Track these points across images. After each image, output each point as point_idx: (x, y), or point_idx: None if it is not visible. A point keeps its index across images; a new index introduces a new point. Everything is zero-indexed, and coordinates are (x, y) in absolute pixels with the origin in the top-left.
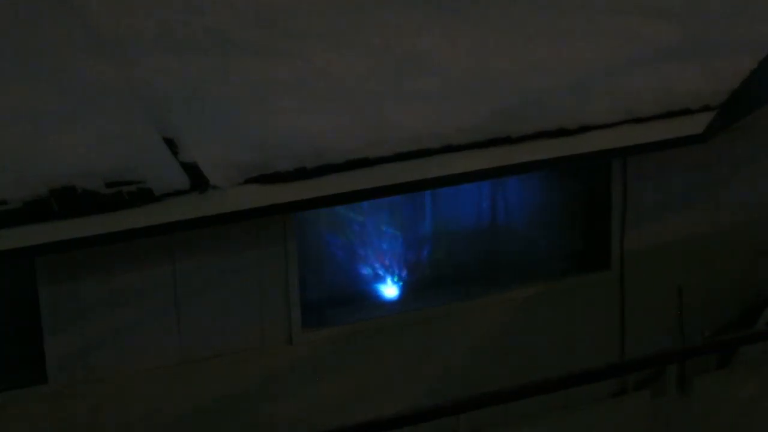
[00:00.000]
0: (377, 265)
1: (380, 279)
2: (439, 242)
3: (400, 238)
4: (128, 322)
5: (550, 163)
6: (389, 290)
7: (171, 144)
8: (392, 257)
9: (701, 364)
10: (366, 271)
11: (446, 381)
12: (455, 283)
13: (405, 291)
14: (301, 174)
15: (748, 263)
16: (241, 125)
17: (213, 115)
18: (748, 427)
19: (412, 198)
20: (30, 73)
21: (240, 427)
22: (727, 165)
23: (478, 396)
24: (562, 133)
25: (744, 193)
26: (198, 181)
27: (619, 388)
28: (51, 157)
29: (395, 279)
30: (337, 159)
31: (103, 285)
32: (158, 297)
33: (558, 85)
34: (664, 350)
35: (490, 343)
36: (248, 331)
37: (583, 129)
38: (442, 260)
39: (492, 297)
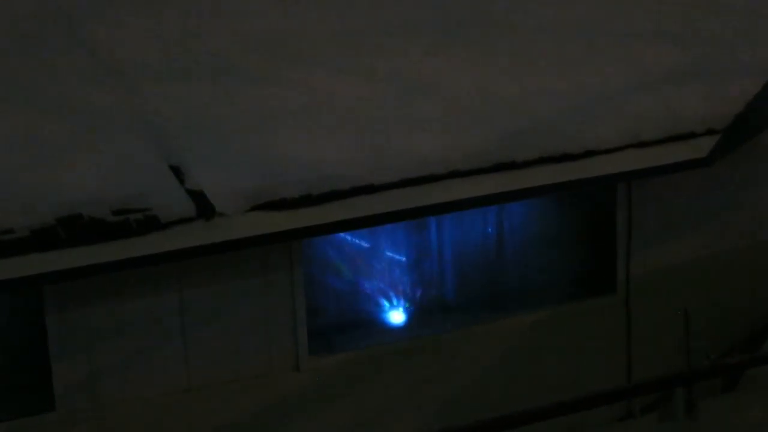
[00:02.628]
0: (384, 292)
1: (387, 305)
2: (445, 268)
3: (406, 264)
4: (135, 350)
5: (556, 188)
6: (396, 316)
7: (177, 172)
8: (398, 283)
9: (708, 387)
10: (373, 297)
11: (453, 406)
12: (462, 308)
13: (411, 317)
14: (307, 201)
15: (754, 286)
16: (246, 152)
17: (219, 143)
18: None
19: (418, 224)
20: (36, 102)
21: None
22: (731, 188)
23: (485, 421)
24: (566, 157)
25: (749, 216)
26: (204, 208)
27: (626, 412)
28: (58, 186)
29: (402, 305)
30: (342, 185)
31: (111, 313)
32: (165, 324)
33: (562, 110)
34: (670, 373)
35: (497, 368)
36: (255, 358)
37: (588, 154)
38: (449, 286)
39: (498, 322)
